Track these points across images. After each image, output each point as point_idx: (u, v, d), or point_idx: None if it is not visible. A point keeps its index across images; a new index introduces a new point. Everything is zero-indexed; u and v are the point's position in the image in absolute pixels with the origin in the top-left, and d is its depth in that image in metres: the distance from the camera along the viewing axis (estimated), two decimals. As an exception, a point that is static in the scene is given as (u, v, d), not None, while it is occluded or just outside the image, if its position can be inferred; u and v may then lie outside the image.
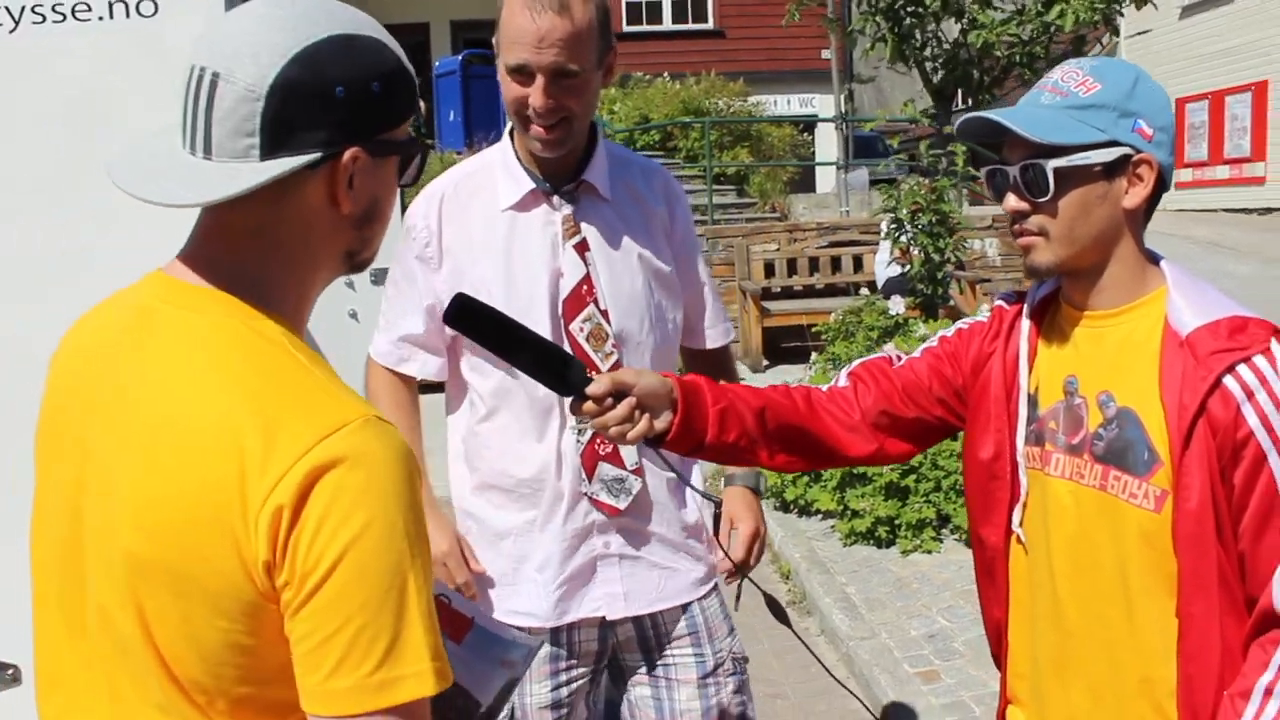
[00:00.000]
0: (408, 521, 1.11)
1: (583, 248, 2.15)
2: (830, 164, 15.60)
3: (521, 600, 2.18)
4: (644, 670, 2.27)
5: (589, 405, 1.67)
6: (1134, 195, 1.62)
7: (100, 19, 2.51)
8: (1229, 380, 1.54)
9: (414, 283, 2.19)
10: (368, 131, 1.18)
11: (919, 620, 4.89)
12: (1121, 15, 6.27)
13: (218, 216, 1.20)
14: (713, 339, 2.43)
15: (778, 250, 12.12)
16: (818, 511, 6.23)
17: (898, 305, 6.68)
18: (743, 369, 11.46)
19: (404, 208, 2.37)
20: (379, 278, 4.82)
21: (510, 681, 1.56)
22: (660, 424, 1.73)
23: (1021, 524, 1.79)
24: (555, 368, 1.67)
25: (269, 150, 1.14)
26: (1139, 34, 21.27)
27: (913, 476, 5.77)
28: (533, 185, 2.15)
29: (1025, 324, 1.79)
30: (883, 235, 7.78)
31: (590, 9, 2.03)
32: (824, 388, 1.95)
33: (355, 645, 1.07)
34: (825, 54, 16.59)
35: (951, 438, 2.00)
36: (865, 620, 4.92)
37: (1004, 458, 1.80)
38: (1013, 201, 1.67)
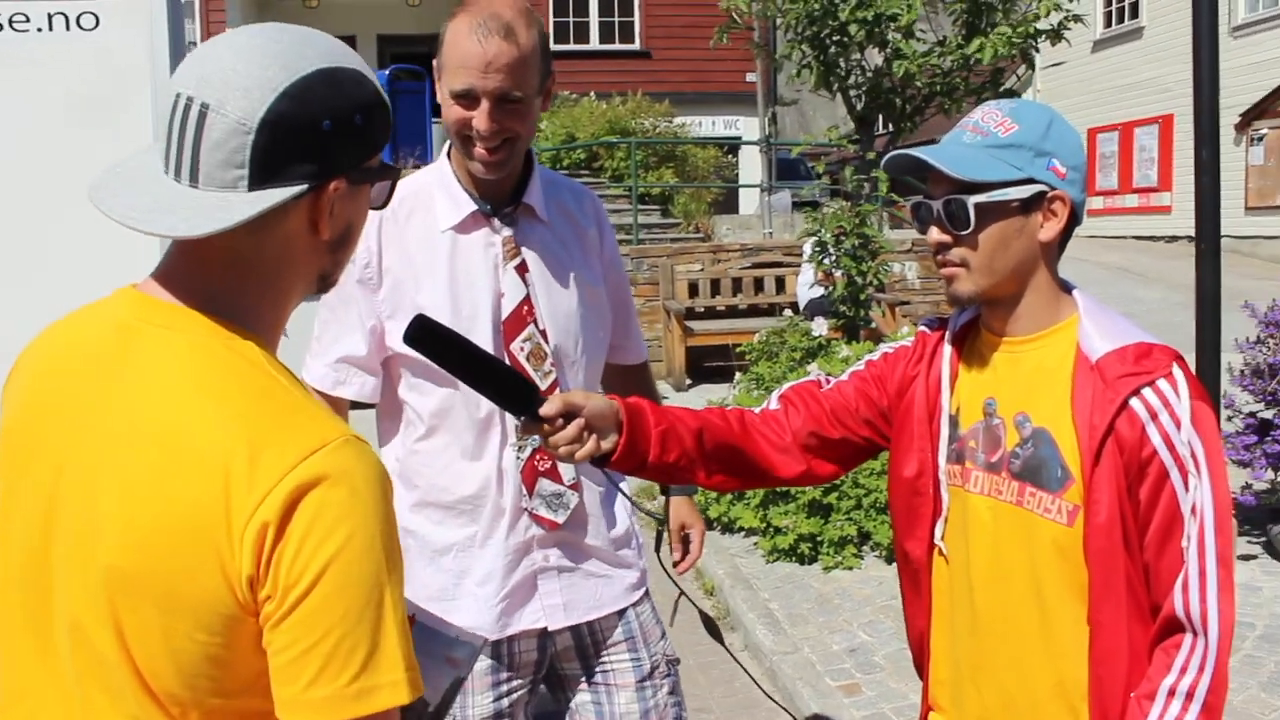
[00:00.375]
0: (385, 536, 1.15)
1: (523, 269, 2.20)
2: (754, 186, 15.78)
3: (462, 615, 2.20)
4: (583, 677, 2.33)
5: (540, 426, 1.73)
6: (1049, 229, 1.73)
7: (40, 30, 2.50)
8: (1135, 402, 1.65)
9: (352, 305, 2.19)
10: (352, 162, 1.22)
11: (841, 635, 4.99)
12: (1037, 50, 6.48)
13: (199, 239, 1.21)
14: (636, 354, 2.53)
15: (701, 270, 12.25)
16: (741, 529, 6.31)
17: (820, 327, 6.81)
18: (666, 387, 11.54)
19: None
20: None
21: (456, 680, 1.60)
22: (606, 444, 1.79)
23: (944, 538, 1.88)
24: (509, 388, 1.73)
25: (257, 181, 1.17)
26: (1053, 65, 21.87)
27: (834, 494, 5.88)
28: (474, 207, 2.19)
29: (947, 349, 1.89)
30: (805, 258, 7.92)
31: (534, 35, 2.08)
32: (757, 410, 2.02)
33: (335, 655, 1.11)
34: (750, 77, 16.81)
35: (873, 457, 2.08)
36: (788, 635, 5.00)
37: (927, 475, 1.89)
38: (936, 234, 1.77)
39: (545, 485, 2.20)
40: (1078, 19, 6.48)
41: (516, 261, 2.20)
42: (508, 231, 2.20)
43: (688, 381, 11.45)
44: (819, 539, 5.82)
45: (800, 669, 4.67)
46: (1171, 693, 1.62)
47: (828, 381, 2.03)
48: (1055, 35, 6.52)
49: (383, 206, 1.35)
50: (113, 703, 1.17)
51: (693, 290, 12.11)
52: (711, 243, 13.82)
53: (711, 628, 2.16)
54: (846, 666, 4.68)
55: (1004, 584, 1.78)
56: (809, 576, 5.66)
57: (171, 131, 1.19)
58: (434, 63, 2.13)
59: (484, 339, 2.13)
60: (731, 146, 18.88)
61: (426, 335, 1.69)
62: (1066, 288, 1.80)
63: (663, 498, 2.57)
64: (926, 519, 1.90)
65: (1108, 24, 21.89)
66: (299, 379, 1.26)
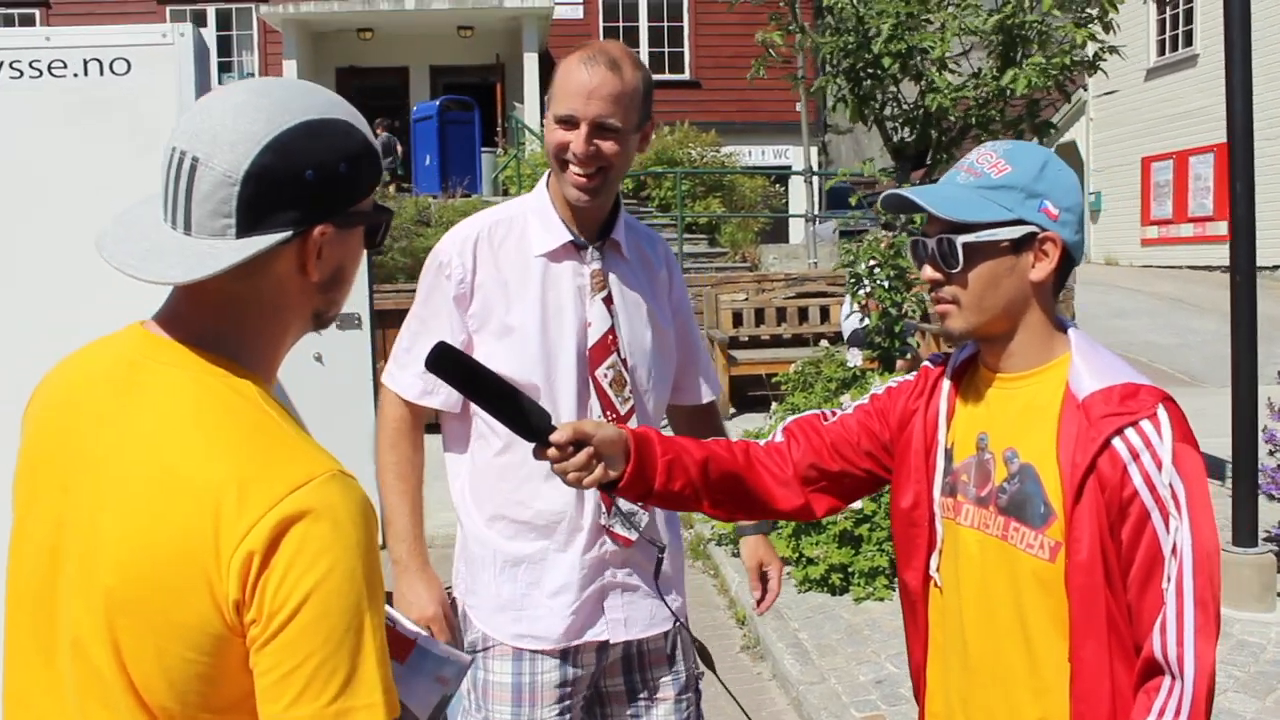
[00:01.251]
0: (366, 567, 1.22)
1: (609, 301, 2.33)
2: (799, 216, 15.82)
3: (531, 624, 2.32)
4: (624, 691, 2.43)
5: (551, 451, 1.79)
6: (1040, 269, 1.76)
7: (76, 75, 2.63)
8: (1117, 442, 1.67)
9: (443, 318, 2.31)
10: (337, 208, 1.29)
11: (868, 666, 4.99)
12: (1071, 81, 6.48)
13: (194, 283, 1.29)
14: (707, 394, 2.62)
15: (746, 300, 12.30)
16: (774, 558, 6.32)
17: (856, 357, 6.83)
18: (709, 416, 11.57)
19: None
20: (344, 323, 4.95)
21: (444, 698, 1.67)
22: (614, 472, 1.85)
23: (938, 569, 1.91)
24: (522, 414, 1.80)
25: (244, 229, 1.24)
26: (1106, 94, 21.69)
27: (866, 525, 5.89)
28: (569, 237, 2.32)
29: (946, 384, 1.93)
30: (846, 288, 7.94)
31: (639, 76, 2.25)
32: (763, 442, 2.07)
33: (315, 678, 1.18)
34: (798, 107, 16.87)
35: (875, 491, 2.13)
36: (815, 665, 5.01)
37: (922, 507, 1.93)
38: (929, 271, 1.82)
39: (622, 503, 2.30)
40: (1114, 50, 6.46)
41: (604, 294, 2.33)
42: (596, 264, 2.34)
43: (731, 411, 11.48)
44: (850, 569, 5.82)
45: (826, 699, 4.68)
46: None
47: (832, 415, 2.07)
48: (1091, 66, 6.51)
49: (376, 247, 1.41)
50: (109, 716, 1.25)
51: (737, 319, 12.16)
52: (756, 272, 13.86)
53: (704, 655, 2.23)
54: (872, 698, 4.69)
55: (991, 617, 1.81)
56: (839, 607, 5.67)
57: (168, 183, 1.28)
58: (546, 98, 2.28)
59: (569, 364, 2.27)
60: (779, 176, 18.92)
61: (447, 362, 1.77)
62: (1062, 326, 1.83)
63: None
64: (922, 550, 1.94)
65: (1160, 52, 21.69)
66: (293, 415, 1.33)
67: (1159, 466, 1.65)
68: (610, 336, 2.33)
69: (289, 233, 1.25)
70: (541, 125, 2.22)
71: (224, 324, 1.30)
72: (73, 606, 1.26)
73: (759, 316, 12.20)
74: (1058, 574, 1.71)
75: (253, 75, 20.09)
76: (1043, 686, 1.75)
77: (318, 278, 1.31)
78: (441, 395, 2.34)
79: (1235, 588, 5.38)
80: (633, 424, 2.30)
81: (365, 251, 1.41)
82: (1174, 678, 1.62)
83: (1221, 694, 4.51)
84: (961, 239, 1.74)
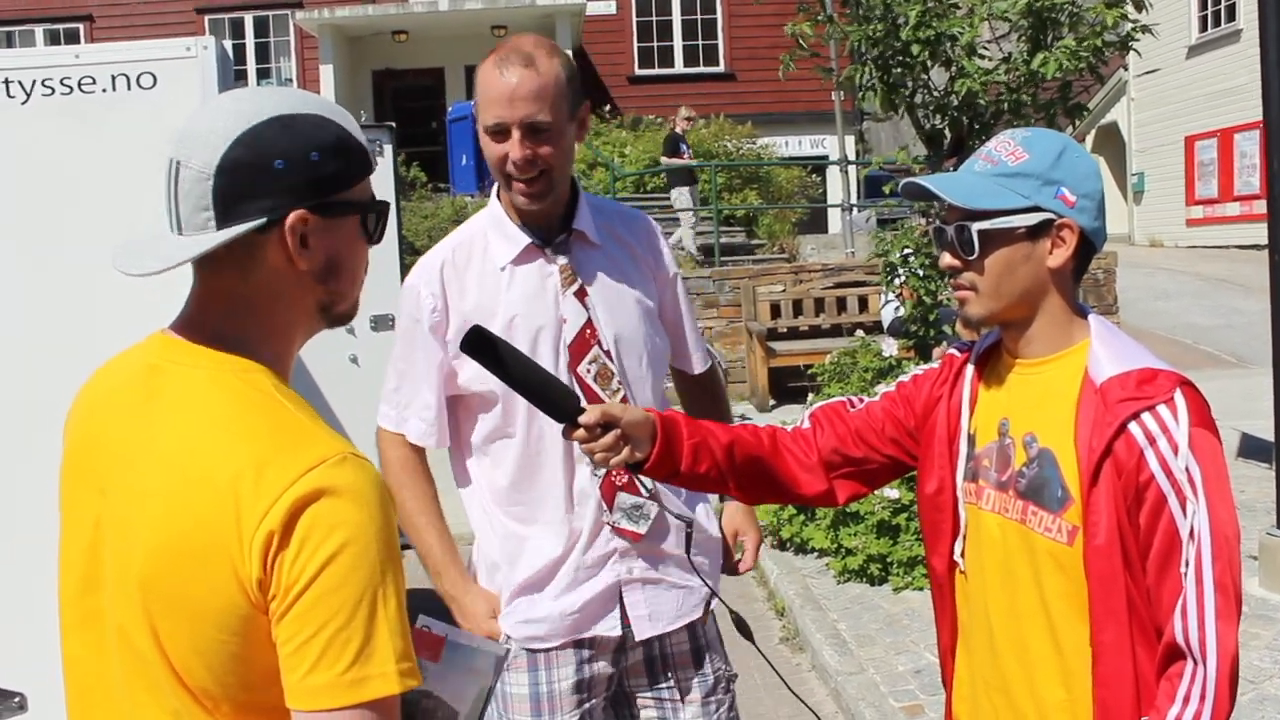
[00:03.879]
0: (380, 543, 1.28)
1: (581, 294, 2.30)
2: (835, 205, 15.76)
3: (538, 626, 2.32)
4: (649, 693, 2.41)
5: (580, 432, 1.86)
6: (1057, 256, 1.76)
7: (104, 91, 2.69)
8: (1134, 427, 1.68)
9: (418, 350, 2.31)
10: (311, 195, 1.35)
11: (906, 656, 4.99)
12: (1104, 63, 6.41)
13: (203, 284, 1.38)
14: (698, 364, 2.61)
15: (783, 291, 12.28)
16: (813, 549, 6.33)
17: (891, 347, 6.81)
18: (749, 408, 11.57)
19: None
20: (378, 324, 5.01)
21: (482, 689, 1.71)
22: (640, 453, 1.91)
23: (962, 554, 1.93)
24: (555, 397, 1.88)
25: (222, 221, 1.32)
26: (1147, 73, 21.41)
27: (904, 515, 5.88)
28: (528, 240, 2.29)
29: (970, 370, 1.95)
30: (881, 278, 7.91)
31: (556, 64, 2.20)
32: (789, 428, 2.09)
33: (330, 647, 1.24)
34: (835, 96, 16.79)
35: (899, 476, 2.15)
36: (854, 656, 5.02)
37: (946, 492, 1.95)
38: (947, 259, 1.83)
39: (624, 499, 2.30)
40: (1146, 29, 6.38)
41: (575, 287, 2.30)
42: (563, 259, 2.30)
43: (771, 402, 11.48)
44: (889, 559, 5.82)
45: (864, 689, 4.68)
46: None
47: (860, 402, 2.09)
48: (1123, 46, 6.44)
49: (375, 241, 1.47)
50: (155, 699, 1.33)
51: (775, 311, 12.15)
52: (794, 263, 13.83)
53: (742, 627, 2.22)
54: (911, 688, 4.68)
55: (1014, 601, 1.82)
56: (878, 597, 5.66)
57: (166, 191, 1.36)
58: (474, 107, 2.23)
59: (548, 364, 2.24)
60: (816, 166, 18.84)
61: (482, 343, 1.85)
62: (1083, 312, 1.83)
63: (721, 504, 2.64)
64: (947, 535, 1.96)
65: (1203, 28, 21.37)
66: (305, 402, 1.40)
67: (1175, 451, 1.65)
68: (589, 330, 2.29)
69: (263, 220, 1.32)
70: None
71: (233, 322, 1.37)
72: (115, 599, 1.34)
73: (797, 308, 12.18)
74: (1076, 557, 1.72)
75: (290, 81, 20.31)
76: (1066, 670, 1.76)
77: (306, 266, 1.37)
78: (436, 436, 2.35)
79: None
80: None
81: (368, 246, 1.46)
82: (1196, 662, 1.62)
83: (1267, 680, 4.47)
84: (977, 226, 1.76)
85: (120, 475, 1.35)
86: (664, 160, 15.16)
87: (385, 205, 1.47)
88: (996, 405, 1.88)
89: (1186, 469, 1.65)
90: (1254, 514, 6.48)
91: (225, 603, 1.26)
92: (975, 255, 1.77)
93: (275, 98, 1.38)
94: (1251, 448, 7.96)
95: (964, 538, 1.93)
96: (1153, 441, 1.66)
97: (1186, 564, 1.64)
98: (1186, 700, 1.63)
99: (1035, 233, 1.76)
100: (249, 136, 1.32)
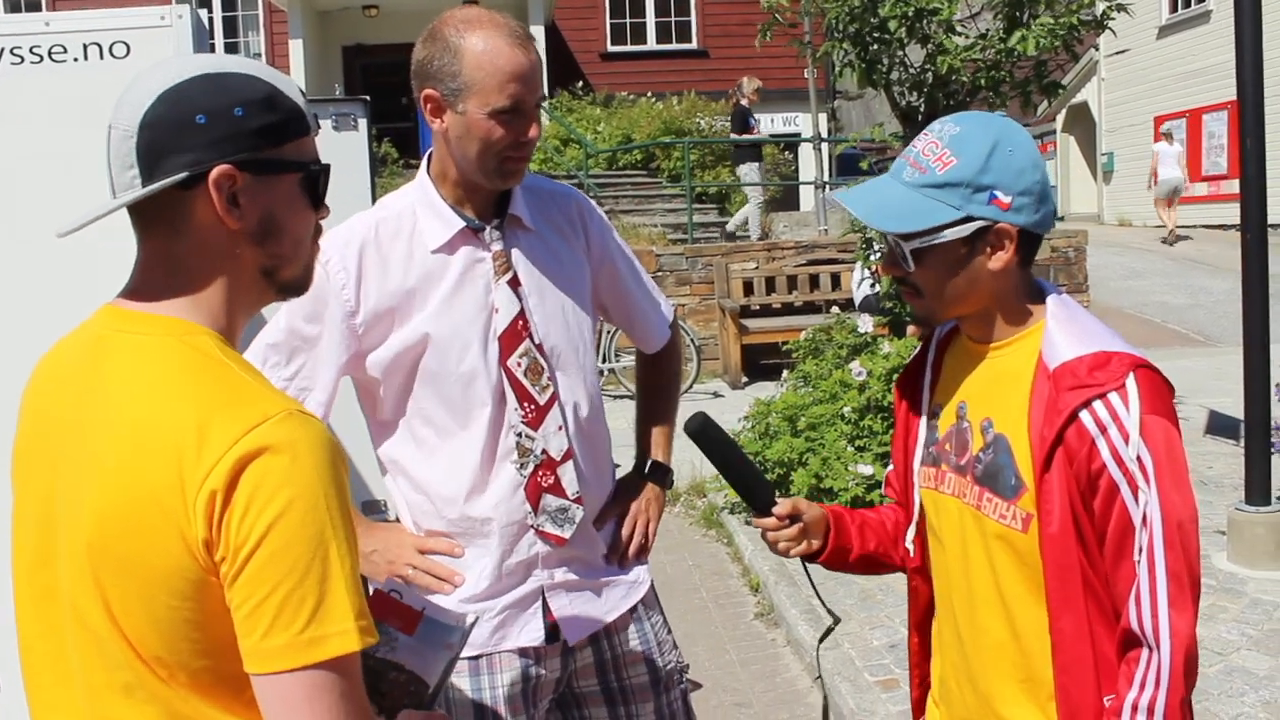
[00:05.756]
0: (329, 499, 1.25)
1: (515, 283, 2.17)
2: (808, 183, 15.76)
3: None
4: (599, 693, 2.33)
5: (770, 521, 1.97)
6: (997, 260, 1.72)
7: (76, 60, 2.64)
8: (1085, 415, 1.65)
9: (331, 332, 2.13)
10: (235, 150, 1.33)
11: (881, 630, 5.02)
12: (1080, 41, 6.41)
13: (143, 249, 1.37)
14: (655, 344, 2.51)
15: (756, 269, 12.29)
16: (788, 526, 6.35)
17: (866, 324, 6.82)
18: (722, 385, 11.59)
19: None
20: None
21: (450, 661, 1.70)
22: (815, 543, 1.99)
23: (912, 540, 1.96)
24: (757, 488, 1.99)
25: (147, 178, 1.31)
26: (1118, 53, 21.53)
27: (877, 492, 5.90)
28: (462, 224, 2.15)
29: (931, 356, 1.96)
30: (857, 254, 7.92)
31: None
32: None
33: (285, 607, 1.22)
34: (808, 73, 16.76)
35: None
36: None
37: (903, 477, 1.98)
38: (891, 261, 1.81)
39: (550, 501, 2.19)
40: (1122, 8, 6.40)
41: (508, 276, 2.17)
42: (498, 245, 2.17)
43: (744, 380, 11.51)
44: (863, 535, 5.83)
45: (840, 664, 4.71)
46: (1134, 708, 1.64)
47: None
48: (1099, 25, 6.45)
49: (318, 206, 1.44)
50: (108, 674, 1.30)
51: (748, 288, 12.16)
52: (767, 240, 13.84)
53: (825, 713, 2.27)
54: (886, 662, 4.71)
55: (972, 583, 1.82)
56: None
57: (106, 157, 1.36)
58: (450, 90, 2.04)
59: (477, 356, 2.14)
60: (788, 143, 18.83)
61: (710, 430, 1.97)
62: (1041, 293, 1.80)
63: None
64: (910, 519, 1.98)
65: (1174, 9, 21.49)
66: (250, 364, 1.38)
67: (1126, 439, 1.63)
68: (520, 321, 2.16)
69: (184, 174, 1.31)
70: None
71: (174, 286, 1.36)
72: (68, 572, 1.31)
73: (770, 285, 12.20)
74: (1032, 544, 1.71)
75: (259, 56, 20.07)
76: (1025, 650, 1.77)
77: (238, 226, 1.35)
78: (309, 408, 2.10)
79: (1248, 546, 5.39)
80: (555, 412, 2.18)
81: (314, 211, 1.43)
82: (1151, 648, 1.63)
83: (1234, 651, 4.52)
84: (909, 246, 1.73)
85: (70, 448, 1.33)
86: (734, 136, 14.77)
87: (325, 166, 1.44)
88: (957, 388, 1.87)
89: (1138, 457, 1.63)
90: (1221, 490, 6.57)
91: (174, 567, 1.24)
92: (911, 270, 1.75)
93: (208, 59, 1.37)
94: (1219, 425, 8.07)
95: (915, 524, 1.95)
96: (1104, 430, 1.64)
97: (1140, 551, 1.64)
98: (1143, 685, 1.63)
99: (971, 241, 1.71)
100: (172, 93, 1.31)
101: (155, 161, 1.30)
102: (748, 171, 14.47)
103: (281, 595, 1.21)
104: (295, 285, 1.45)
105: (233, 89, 1.33)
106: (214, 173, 1.31)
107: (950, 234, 1.70)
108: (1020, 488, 1.72)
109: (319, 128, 1.45)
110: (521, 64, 2.03)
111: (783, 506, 1.94)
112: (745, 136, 14.44)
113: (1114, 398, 1.65)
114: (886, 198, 1.75)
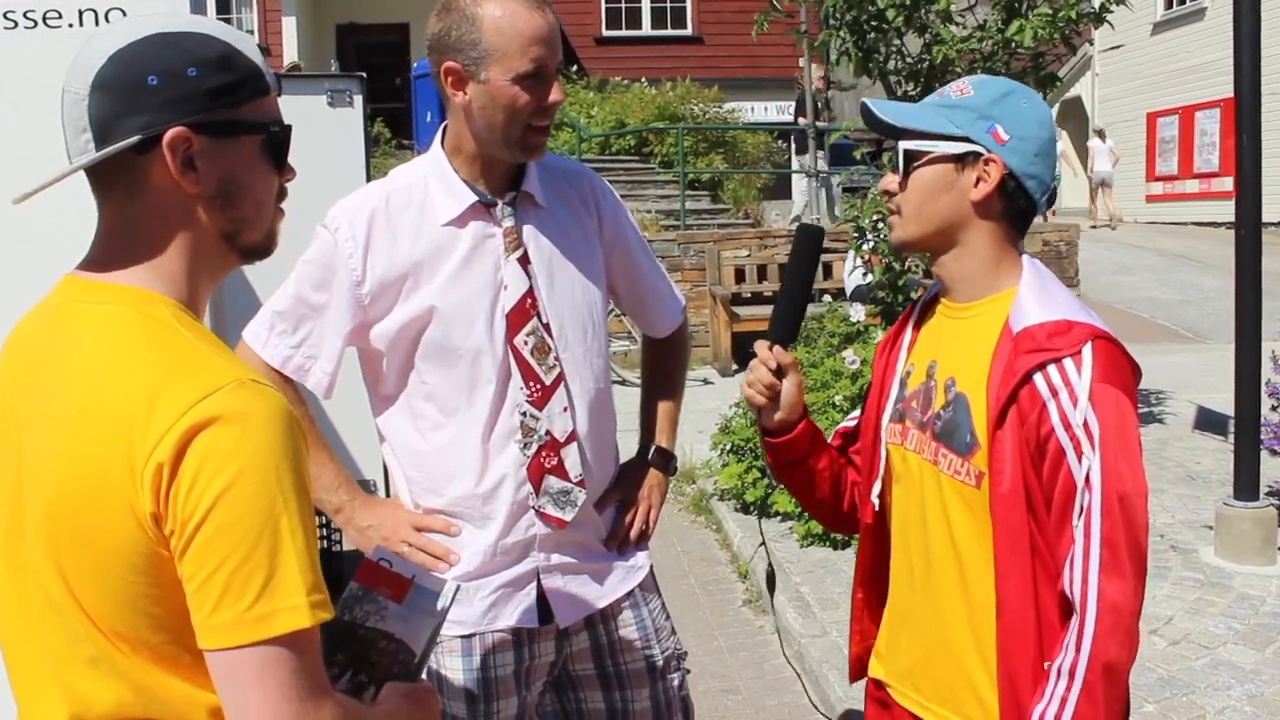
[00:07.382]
0: (282, 471, 1.22)
1: (525, 260, 2.14)
2: (801, 172, 15.74)
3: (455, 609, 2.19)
4: (595, 677, 2.31)
5: (765, 353, 1.94)
6: (980, 190, 1.77)
7: (70, 25, 2.60)
8: (1038, 379, 1.69)
9: (339, 300, 2.12)
10: (189, 112, 1.29)
11: (869, 619, 5.02)
12: (1077, 34, 6.41)
13: (102, 218, 1.34)
14: (665, 328, 2.49)
15: (748, 256, 12.28)
16: (777, 513, 6.35)
17: (859, 312, 6.82)
18: (711, 372, 11.58)
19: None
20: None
21: (436, 627, 1.68)
22: (779, 415, 1.97)
23: (879, 494, 1.97)
24: (791, 318, 1.99)
25: (100, 142, 1.27)
26: (1112, 49, 21.54)
27: (868, 480, 5.89)
28: (474, 198, 2.12)
29: (914, 317, 1.99)
30: (850, 244, 7.91)
31: None
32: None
33: (233, 582, 1.19)
34: (802, 62, 16.72)
35: None
36: (817, 619, 5.04)
37: (869, 433, 2.00)
38: (887, 178, 1.86)
39: (553, 482, 2.16)
40: (1121, 2, 6.39)
41: (519, 253, 2.13)
42: (509, 222, 2.14)
43: (734, 367, 11.50)
44: (852, 524, 5.84)
45: (827, 652, 4.71)
46: (1059, 672, 1.66)
47: (857, 361, 2.14)
48: (1098, 19, 6.44)
49: (281, 168, 1.41)
50: (72, 648, 1.28)
51: (739, 275, 12.15)
52: (759, 228, 13.82)
53: (770, 580, 2.28)
54: (873, 650, 4.71)
55: (928, 539, 1.85)
56: (841, 561, 5.68)
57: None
58: (470, 57, 2.01)
59: (484, 333, 2.11)
60: (783, 132, 18.81)
61: (816, 248, 2.01)
62: (1020, 259, 1.83)
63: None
64: (871, 476, 2.00)
65: (1168, 6, 21.50)
66: (210, 334, 1.35)
67: (1075, 404, 1.67)
68: (529, 299, 2.12)
69: (137, 138, 1.27)
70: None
71: (132, 254, 1.33)
72: (34, 545, 1.29)
73: (762, 273, 12.19)
74: (983, 500, 1.74)
75: (252, 33, 19.94)
76: (974, 605, 1.79)
77: (196, 190, 1.31)
78: (331, 388, 2.14)
79: (1235, 541, 5.40)
80: (561, 393, 2.16)
81: (277, 175, 1.40)
82: (1076, 613, 1.65)
83: (1221, 645, 4.54)
84: (903, 144, 1.79)
85: (34, 420, 1.30)
86: (801, 122, 14.70)
87: (287, 128, 1.40)
88: (929, 348, 1.91)
89: (1085, 422, 1.66)
90: (1209, 485, 6.58)
91: (126, 541, 1.21)
92: (903, 175, 1.80)
93: (164, 19, 1.32)
94: (1207, 420, 8.08)
95: (881, 479, 1.97)
96: (1055, 394, 1.68)
97: (1079, 514, 1.66)
98: (1067, 649, 1.66)
99: (960, 162, 1.77)
100: (124, 54, 1.27)
101: (108, 125, 1.27)
102: (805, 161, 14.54)
103: (230, 569, 1.19)
104: (258, 249, 1.42)
105: (186, 49, 1.29)
106: (168, 135, 1.27)
107: (944, 146, 1.77)
108: (974, 445, 1.76)
109: (280, 88, 1.41)
110: (541, 26, 2.01)
111: (785, 357, 1.94)
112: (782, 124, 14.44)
113: (1068, 363, 1.69)
114: (902, 106, 1.85)
